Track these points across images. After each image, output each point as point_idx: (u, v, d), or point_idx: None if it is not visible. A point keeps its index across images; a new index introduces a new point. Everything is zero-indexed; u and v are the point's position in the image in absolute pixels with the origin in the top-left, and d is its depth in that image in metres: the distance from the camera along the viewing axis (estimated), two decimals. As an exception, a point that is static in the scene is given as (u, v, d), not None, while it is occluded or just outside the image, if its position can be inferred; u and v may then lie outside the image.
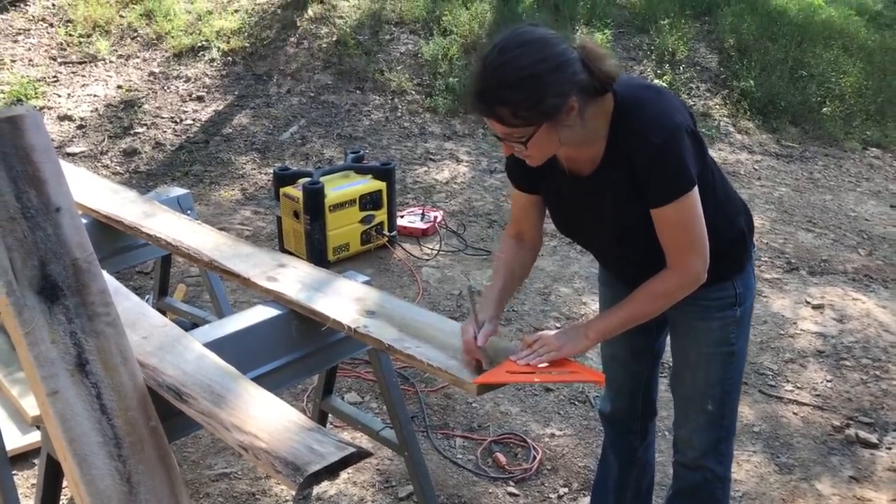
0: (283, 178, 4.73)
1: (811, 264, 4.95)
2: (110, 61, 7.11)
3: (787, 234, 5.45)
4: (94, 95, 6.68)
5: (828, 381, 3.67)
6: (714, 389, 2.08)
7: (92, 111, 6.49)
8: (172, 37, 7.37)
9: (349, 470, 2.87)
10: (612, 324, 1.88)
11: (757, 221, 5.59)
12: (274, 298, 2.12)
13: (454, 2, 8.19)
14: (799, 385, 3.62)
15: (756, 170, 6.87)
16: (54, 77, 6.81)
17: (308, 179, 4.58)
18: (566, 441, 3.19)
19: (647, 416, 2.39)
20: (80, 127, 6.32)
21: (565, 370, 1.81)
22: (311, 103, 6.94)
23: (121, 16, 7.58)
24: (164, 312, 3.17)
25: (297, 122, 6.68)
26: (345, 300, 2.09)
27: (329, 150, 6.34)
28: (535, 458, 3.06)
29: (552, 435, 3.22)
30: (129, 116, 6.46)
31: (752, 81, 8.01)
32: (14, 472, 2.72)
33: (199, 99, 6.82)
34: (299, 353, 2.09)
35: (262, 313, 2.04)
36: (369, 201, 4.70)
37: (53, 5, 7.59)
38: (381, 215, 4.78)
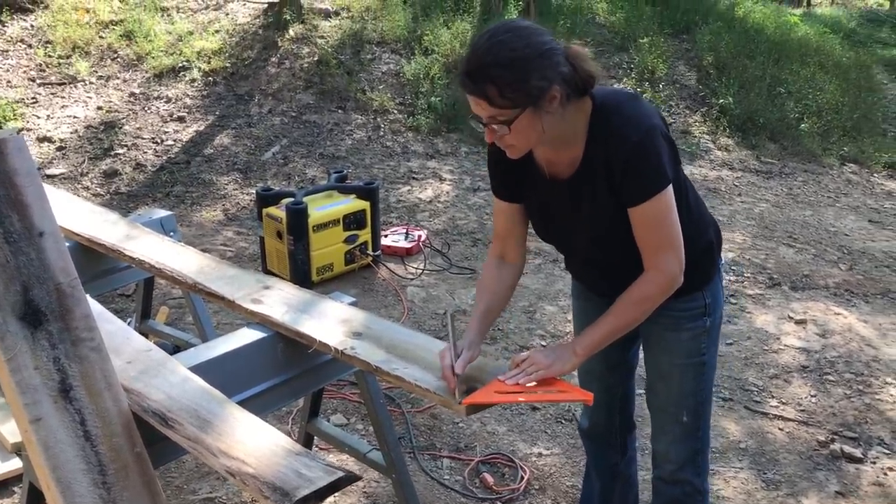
0: (266, 198, 4.71)
1: (793, 279, 4.99)
2: (90, 82, 7.08)
3: (768, 249, 5.49)
4: (74, 117, 6.64)
5: (812, 396, 3.69)
6: (688, 401, 2.11)
7: (72, 132, 6.45)
8: (153, 57, 7.35)
9: (335, 494, 2.84)
10: (598, 337, 1.89)
11: (738, 237, 5.64)
12: (259, 321, 2.10)
13: (435, 21, 8.25)
14: (784, 400, 3.64)
15: (736, 186, 6.93)
16: (33, 98, 6.77)
17: (291, 199, 4.57)
18: (554, 460, 3.17)
19: (625, 429, 2.41)
20: (59, 148, 6.28)
21: (554, 389, 1.81)
22: (292, 123, 6.93)
23: (101, 37, 7.56)
24: (146, 336, 3.14)
25: (279, 141, 6.67)
26: (331, 322, 2.08)
27: (311, 170, 6.33)
28: (522, 478, 3.04)
29: (539, 454, 3.21)
30: (110, 137, 6.43)
31: (730, 98, 8.11)
32: (-6, 500, 2.67)
33: (180, 119, 6.79)
34: (286, 375, 2.07)
35: (247, 336, 2.03)
36: (353, 221, 4.69)
37: (32, 26, 7.56)
38: (364, 235, 4.77)
